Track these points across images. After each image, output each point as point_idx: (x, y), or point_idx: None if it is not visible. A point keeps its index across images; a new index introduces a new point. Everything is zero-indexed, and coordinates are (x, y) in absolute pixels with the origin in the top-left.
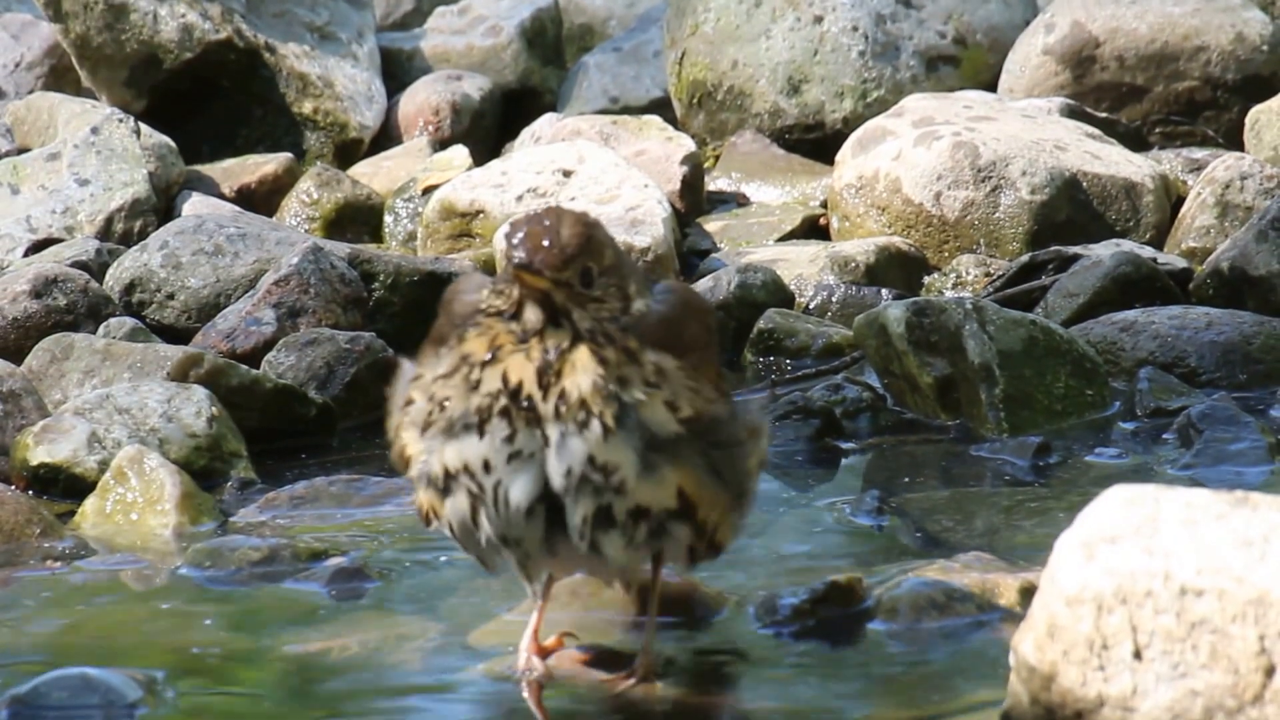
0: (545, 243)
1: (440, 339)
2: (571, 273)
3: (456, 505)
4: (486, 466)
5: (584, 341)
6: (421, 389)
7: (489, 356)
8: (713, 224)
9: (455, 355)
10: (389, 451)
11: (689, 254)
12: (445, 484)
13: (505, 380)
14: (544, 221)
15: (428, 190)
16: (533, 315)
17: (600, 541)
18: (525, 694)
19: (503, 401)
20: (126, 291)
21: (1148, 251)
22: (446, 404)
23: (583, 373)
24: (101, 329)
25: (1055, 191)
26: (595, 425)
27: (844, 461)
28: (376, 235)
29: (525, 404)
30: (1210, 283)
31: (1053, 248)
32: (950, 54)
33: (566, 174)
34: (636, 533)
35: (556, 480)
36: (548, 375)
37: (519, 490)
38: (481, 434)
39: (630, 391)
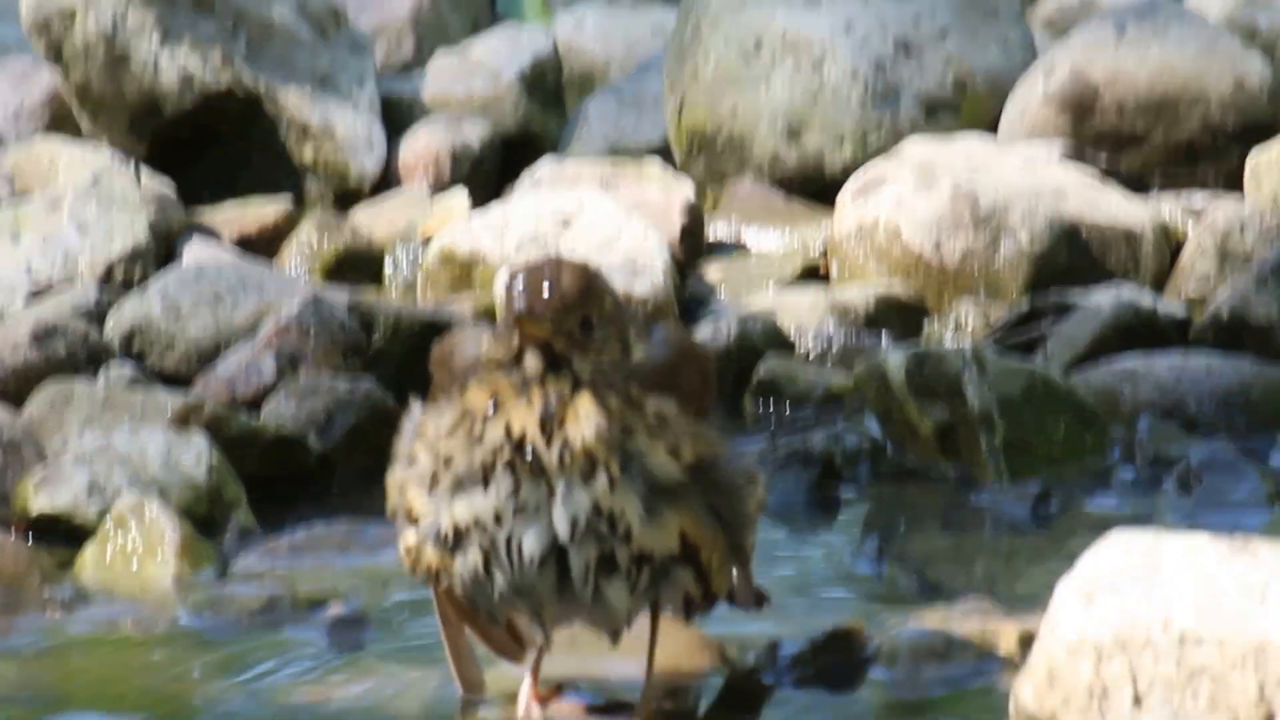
0: (545, 290)
1: (443, 393)
2: (571, 320)
3: (468, 560)
4: (498, 518)
5: (585, 389)
6: (425, 445)
7: (491, 409)
8: (712, 270)
9: (457, 409)
10: (387, 502)
11: (689, 300)
12: (455, 540)
13: (508, 431)
14: (544, 269)
15: (428, 237)
16: (533, 363)
17: (604, 588)
18: None
19: (506, 454)
20: (127, 339)
21: (1147, 298)
22: (451, 460)
23: (585, 420)
24: (101, 376)
25: (1055, 238)
26: (601, 476)
27: (844, 508)
28: (376, 282)
29: (529, 454)
30: (1210, 329)
31: (1052, 295)
32: (950, 100)
33: (566, 221)
34: (640, 578)
35: (562, 530)
36: (550, 423)
37: (531, 541)
38: (486, 487)
39: (634, 439)
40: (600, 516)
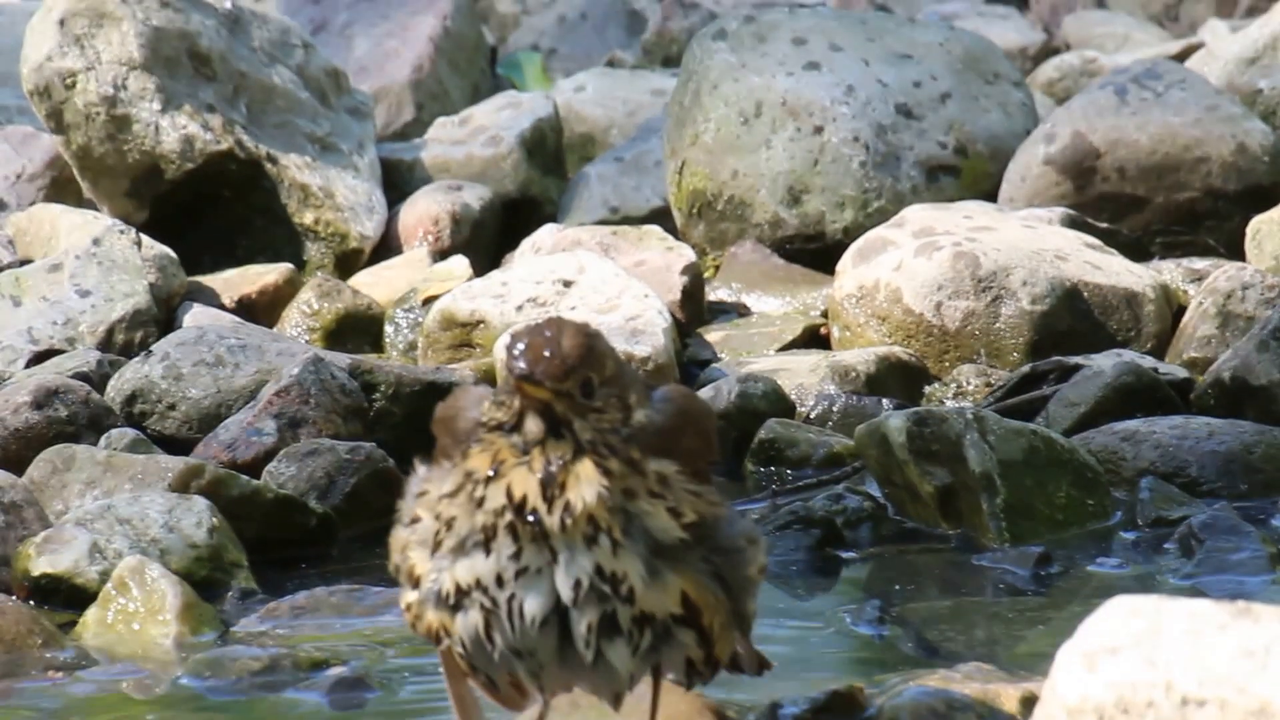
0: (546, 353)
1: (446, 455)
2: (572, 383)
3: (469, 621)
4: (499, 580)
5: (586, 453)
6: (427, 506)
7: (492, 473)
8: (713, 334)
9: (459, 472)
10: (388, 559)
11: (690, 364)
12: (457, 600)
13: (509, 495)
14: (545, 332)
15: (428, 300)
16: (534, 426)
17: (605, 650)
18: None
19: (507, 518)
20: (128, 402)
21: (1149, 361)
22: (453, 523)
23: (586, 484)
24: (103, 440)
25: (1056, 301)
26: (604, 540)
27: (845, 571)
28: (377, 345)
29: (531, 518)
30: (1211, 392)
31: (1054, 358)
32: (951, 164)
33: (567, 284)
34: (642, 640)
35: (565, 593)
36: (551, 488)
37: (533, 603)
38: (488, 552)
39: (636, 503)
40: (603, 578)
